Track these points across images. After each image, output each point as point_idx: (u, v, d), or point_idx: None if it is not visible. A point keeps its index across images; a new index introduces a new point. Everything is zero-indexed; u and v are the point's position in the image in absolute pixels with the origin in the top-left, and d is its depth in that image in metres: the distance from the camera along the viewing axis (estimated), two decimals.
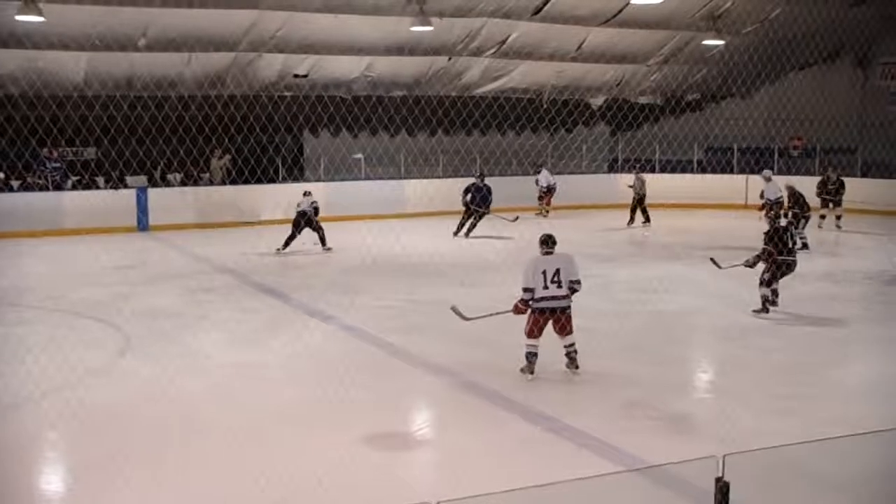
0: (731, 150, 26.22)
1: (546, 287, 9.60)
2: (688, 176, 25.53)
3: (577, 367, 9.82)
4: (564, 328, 9.75)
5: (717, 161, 26.12)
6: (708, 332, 12.46)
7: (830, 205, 21.14)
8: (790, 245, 12.92)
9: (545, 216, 23.02)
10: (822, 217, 20.83)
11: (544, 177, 23.72)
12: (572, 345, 9.83)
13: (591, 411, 8.85)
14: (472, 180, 20.58)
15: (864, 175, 25.46)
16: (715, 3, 23.16)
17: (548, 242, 9.85)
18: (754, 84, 27.40)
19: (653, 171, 24.49)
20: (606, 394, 9.37)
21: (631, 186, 22.36)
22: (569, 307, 9.76)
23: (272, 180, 22.85)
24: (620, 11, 22.21)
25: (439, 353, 10.79)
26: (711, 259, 13.97)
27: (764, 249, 12.76)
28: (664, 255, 18.36)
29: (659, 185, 23.72)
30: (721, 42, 23.63)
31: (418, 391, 9.80)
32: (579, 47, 24.02)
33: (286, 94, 22.83)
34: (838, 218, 20.95)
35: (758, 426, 8.22)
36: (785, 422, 8.36)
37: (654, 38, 24.56)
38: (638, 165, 23.19)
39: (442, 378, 10.01)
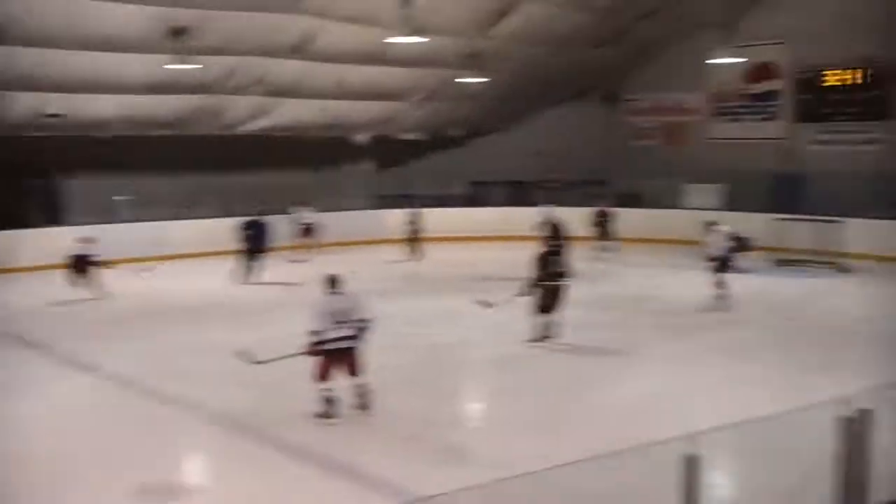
0: (493, 184, 27.17)
1: (332, 328, 9.49)
2: (454, 210, 26.20)
3: (366, 408, 9.72)
4: (354, 369, 9.67)
5: (482, 194, 27.03)
6: (481, 363, 12.81)
7: (603, 235, 22.51)
8: (556, 271, 13.26)
9: (311, 255, 22.78)
10: (597, 247, 21.92)
11: (306, 215, 23.45)
12: (363, 385, 9.74)
13: (368, 447, 8.93)
14: (248, 218, 20.06)
15: (614, 205, 26.98)
16: (474, 44, 23.99)
17: (334, 282, 9.79)
18: (512, 120, 28.57)
19: (420, 205, 24.96)
20: (383, 428, 9.47)
21: (410, 222, 22.81)
22: (356, 348, 9.67)
23: (25, 225, 21.65)
24: (382, 50, 22.60)
25: (217, 399, 10.57)
26: (479, 301, 14.32)
27: (531, 277, 13.22)
28: (436, 288, 18.77)
29: (427, 218, 24.25)
30: (481, 80, 24.48)
31: (192, 438, 9.57)
32: (341, 85, 24.24)
33: (38, 134, 21.72)
34: (608, 251, 22.00)
35: (530, 450, 8.54)
36: (555, 445, 8.72)
37: (417, 76, 25.14)
38: (415, 201, 23.67)
39: (218, 424, 9.81)
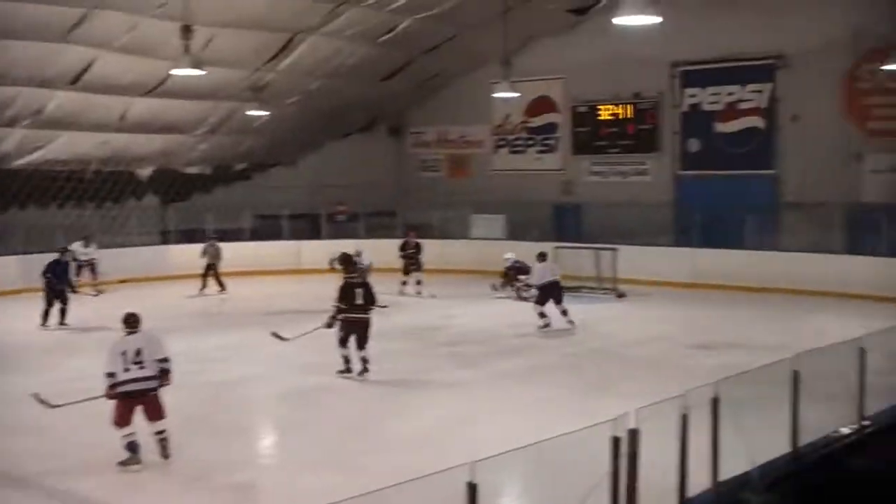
0: (281, 216, 26.90)
1: (127, 369, 9.05)
2: (241, 244, 25.73)
3: (167, 456, 9.23)
4: (153, 412, 9.21)
5: (268, 228, 26.70)
6: (268, 399, 12.61)
7: (411, 267, 21.85)
8: (359, 302, 13.09)
9: (96, 293, 21.81)
10: (404, 283, 21.64)
11: (84, 251, 22.21)
12: (162, 431, 9.27)
13: (149, 490, 8.60)
14: (51, 259, 18.56)
15: (404, 236, 27.30)
16: (257, 76, 23.82)
17: (129, 321, 9.37)
18: (298, 153, 28.48)
19: (202, 241, 24.43)
20: (166, 471, 9.15)
21: (204, 255, 22.11)
22: (155, 389, 9.23)
23: None
24: (163, 82, 22.08)
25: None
26: (274, 334, 14.15)
27: (334, 307, 13.10)
28: (225, 324, 18.39)
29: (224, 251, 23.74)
30: (265, 113, 24.29)
31: None
32: (122, 117, 23.49)
33: None
34: (418, 283, 21.69)
35: (320, 487, 8.46)
36: (343, 478, 8.68)
37: (200, 109, 24.68)
38: (213, 234, 23.08)
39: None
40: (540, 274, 17.48)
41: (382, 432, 10.66)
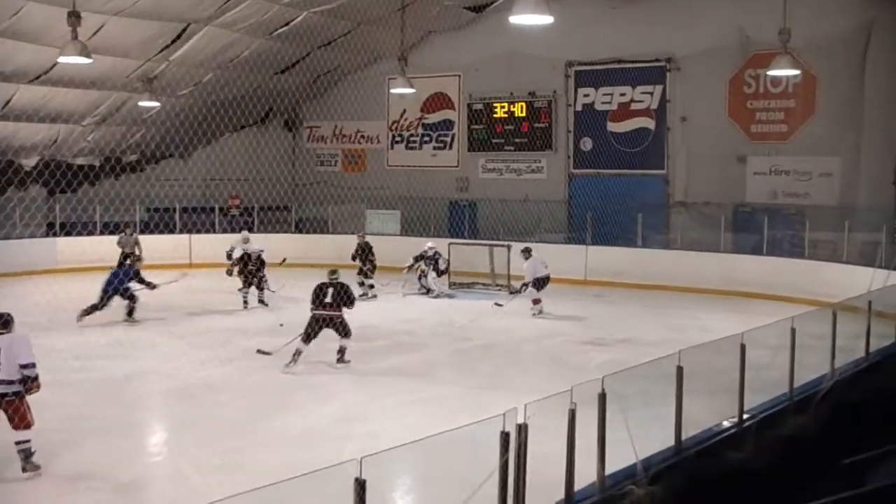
0: (173, 210, 26.40)
1: None
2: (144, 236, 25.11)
3: (27, 470, 8.68)
4: (14, 421, 8.69)
5: (160, 221, 26.14)
6: (156, 395, 12.37)
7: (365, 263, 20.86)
8: (325, 300, 13.56)
9: None
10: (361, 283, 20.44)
11: None
12: (23, 442, 8.69)
13: (25, 491, 8.35)
14: None
15: (299, 231, 27.13)
16: (149, 66, 23.32)
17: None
18: (192, 145, 27.96)
19: (91, 233, 23.85)
20: (47, 470, 8.88)
21: (120, 244, 21.57)
22: (15, 395, 8.69)
23: None
24: (50, 69, 21.44)
25: None
26: (259, 351, 14.16)
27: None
28: (109, 319, 17.93)
29: (99, 248, 23.13)
30: (157, 104, 23.80)
31: None
32: (6, 104, 22.72)
33: None
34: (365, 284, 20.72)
35: (207, 484, 8.35)
36: (231, 476, 8.58)
37: (89, 98, 24.04)
38: (128, 226, 22.51)
39: None
40: (532, 269, 18.50)
41: (271, 429, 10.57)
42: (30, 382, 8.76)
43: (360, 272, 20.82)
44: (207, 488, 8.03)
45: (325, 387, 12.68)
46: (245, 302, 18.85)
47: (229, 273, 19.01)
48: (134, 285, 17.10)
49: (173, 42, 22.84)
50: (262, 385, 12.64)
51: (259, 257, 19.24)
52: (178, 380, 12.76)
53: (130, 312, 17.14)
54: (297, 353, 13.36)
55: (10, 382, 8.69)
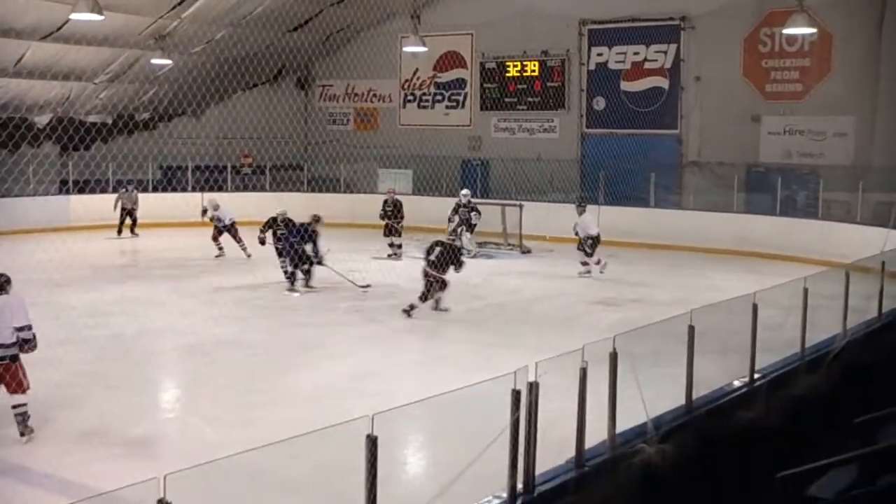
0: (185, 168, 26.43)
1: None
2: (144, 195, 25.19)
3: (24, 433, 8.49)
4: (10, 385, 8.47)
5: (172, 179, 26.20)
6: (171, 352, 12.46)
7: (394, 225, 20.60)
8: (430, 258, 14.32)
9: None
10: (391, 244, 20.39)
11: None
12: (19, 406, 8.50)
13: (42, 447, 8.43)
14: None
15: (311, 190, 27.12)
16: (161, 23, 23.22)
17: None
18: (204, 103, 27.89)
19: (104, 191, 23.95)
20: (60, 425, 8.97)
21: (118, 201, 21.87)
22: (11, 358, 8.45)
23: None
24: (62, 26, 21.37)
25: None
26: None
27: None
28: (122, 276, 18.03)
29: (111, 206, 23.26)
30: (169, 62, 23.74)
31: None
32: (19, 62, 22.69)
33: None
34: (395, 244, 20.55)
35: (221, 439, 8.43)
36: (244, 431, 8.66)
37: (101, 56, 23.99)
38: (130, 183, 22.75)
39: None
40: (584, 227, 18.48)
41: (284, 386, 10.65)
42: (26, 346, 8.60)
43: (390, 231, 20.55)
44: (220, 443, 8.10)
45: (337, 345, 12.74)
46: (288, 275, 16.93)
47: (262, 242, 18.01)
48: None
49: None
50: (275, 343, 12.71)
51: (233, 224, 19.29)
52: (191, 337, 12.85)
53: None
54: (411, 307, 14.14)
55: (4, 346, 8.47)
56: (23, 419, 8.55)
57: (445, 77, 28.25)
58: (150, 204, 24.37)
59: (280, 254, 16.68)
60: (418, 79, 28.56)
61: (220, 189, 25.88)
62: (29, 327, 8.59)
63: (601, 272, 18.11)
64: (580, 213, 18.77)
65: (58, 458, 8.09)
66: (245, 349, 12.30)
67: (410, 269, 18.82)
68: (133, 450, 8.46)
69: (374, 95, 29.56)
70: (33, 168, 24.66)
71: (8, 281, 8.71)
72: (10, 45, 21.87)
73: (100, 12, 16.10)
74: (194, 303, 14.48)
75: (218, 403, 9.82)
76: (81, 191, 24.78)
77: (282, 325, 13.47)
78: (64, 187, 25.79)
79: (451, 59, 27.95)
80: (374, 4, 25.95)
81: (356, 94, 29.89)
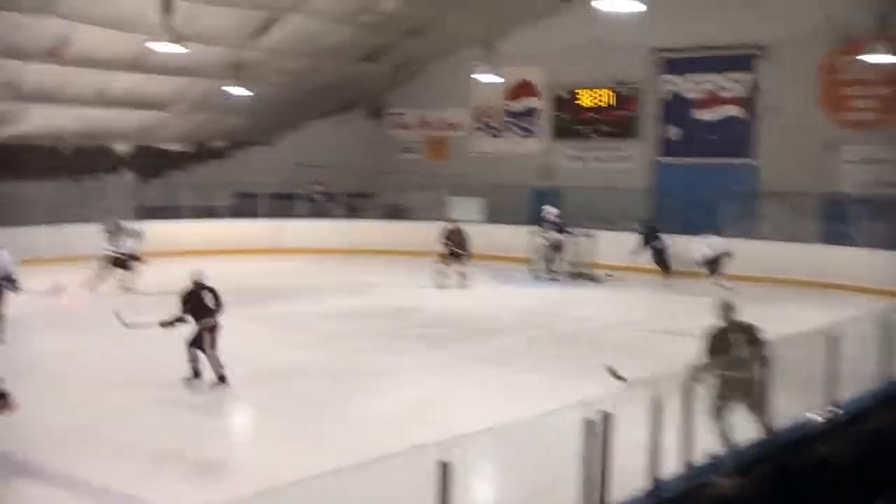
0: (258, 195, 26.70)
1: None
2: (218, 222, 25.54)
3: None
4: None
5: (245, 206, 26.49)
6: (240, 376, 12.43)
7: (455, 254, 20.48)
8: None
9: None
10: (444, 271, 20.30)
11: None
12: None
13: (115, 470, 8.53)
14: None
15: (381, 218, 27.26)
16: (239, 54, 23.60)
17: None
18: (278, 132, 28.30)
19: (179, 218, 24.29)
20: (134, 448, 9.07)
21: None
22: None
23: None
24: (143, 58, 21.85)
25: None
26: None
27: None
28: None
29: (189, 232, 23.59)
30: (245, 92, 24.12)
31: None
32: (101, 92, 23.25)
33: None
34: (461, 274, 20.44)
35: (287, 463, 8.43)
36: (312, 457, 8.63)
37: (180, 85, 24.46)
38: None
39: None
40: (706, 247, 19.29)
41: (351, 413, 10.65)
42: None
43: (452, 256, 20.46)
44: (289, 468, 8.11)
45: (402, 371, 12.72)
46: None
47: None
48: None
49: (262, 30, 23.10)
50: (341, 369, 12.73)
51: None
52: (259, 362, 12.92)
53: None
54: None
55: None
56: None
57: (517, 106, 28.25)
58: (222, 231, 24.73)
59: None
60: (490, 107, 28.61)
61: (291, 216, 26.18)
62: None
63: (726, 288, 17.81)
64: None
65: (138, 480, 8.18)
66: (312, 375, 12.36)
67: (479, 298, 18.86)
68: (204, 473, 8.52)
69: (446, 124, 29.65)
70: (111, 195, 25.10)
71: None
72: (93, 76, 22.44)
73: (180, 44, 16.46)
74: (262, 328, 14.58)
75: (287, 428, 9.85)
76: (157, 218, 25.06)
77: (347, 351, 13.51)
78: (141, 214, 25.99)
79: (522, 88, 27.95)
80: (446, 34, 26.14)
81: (427, 123, 30.02)
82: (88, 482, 8.22)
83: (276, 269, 20.52)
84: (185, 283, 11.69)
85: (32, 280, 14.12)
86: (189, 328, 11.47)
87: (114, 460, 8.78)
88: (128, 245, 19.64)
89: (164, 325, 11.48)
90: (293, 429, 9.87)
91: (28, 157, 23.61)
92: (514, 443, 7.43)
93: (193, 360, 11.36)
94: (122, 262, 19.13)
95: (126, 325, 11.82)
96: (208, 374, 11.39)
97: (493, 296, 19.12)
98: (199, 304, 11.48)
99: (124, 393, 9.77)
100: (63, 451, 8.95)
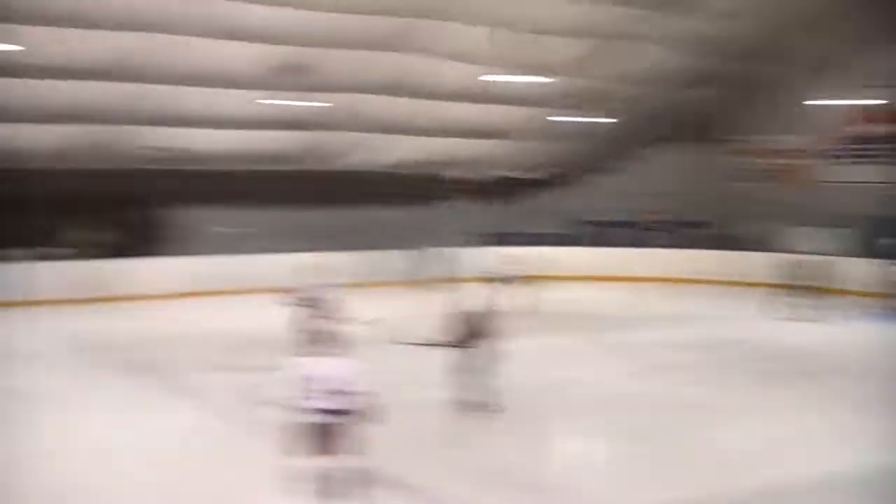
0: (607, 223, 26.96)
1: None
2: (571, 249, 26.11)
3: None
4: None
5: (589, 234, 26.80)
6: (586, 403, 12.39)
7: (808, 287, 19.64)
8: None
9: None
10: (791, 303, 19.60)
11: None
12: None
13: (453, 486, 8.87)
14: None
15: (720, 247, 26.48)
16: (574, 82, 23.82)
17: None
18: (613, 161, 28.25)
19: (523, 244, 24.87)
20: (462, 466, 9.41)
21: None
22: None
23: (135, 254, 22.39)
24: (479, 88, 22.74)
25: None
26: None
27: None
28: (545, 326, 18.33)
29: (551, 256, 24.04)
30: (584, 119, 24.42)
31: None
32: (443, 122, 24.51)
33: (153, 167, 22.46)
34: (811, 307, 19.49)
35: (632, 488, 8.44)
36: (665, 493, 8.56)
37: (523, 114, 25.22)
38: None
39: None
40: None
41: (692, 446, 10.44)
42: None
43: (799, 289, 19.58)
44: (635, 495, 8.17)
45: (731, 409, 12.27)
46: None
47: None
48: None
49: (597, 58, 23.30)
50: (683, 400, 12.53)
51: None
52: (598, 388, 13.03)
53: None
54: None
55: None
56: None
57: (875, 131, 26.44)
58: (576, 258, 25.23)
59: None
60: (842, 133, 27.01)
61: (622, 245, 26.15)
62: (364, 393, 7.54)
63: None
64: None
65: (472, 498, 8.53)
66: (651, 405, 12.23)
67: (821, 333, 17.79)
68: (539, 497, 8.73)
69: (789, 150, 28.36)
70: (448, 221, 25.98)
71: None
72: (427, 107, 23.69)
73: (513, 73, 16.80)
74: (608, 355, 14.72)
75: (623, 458, 9.92)
76: (502, 243, 25.54)
77: (688, 383, 13.31)
78: (484, 240, 26.62)
79: (873, 113, 26.17)
80: (784, 58, 25.04)
81: (768, 150, 28.87)
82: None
83: (621, 297, 20.45)
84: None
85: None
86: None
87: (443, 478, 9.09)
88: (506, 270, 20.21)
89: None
90: (628, 458, 9.95)
91: (369, 184, 25.30)
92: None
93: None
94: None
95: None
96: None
97: (840, 332, 18.00)
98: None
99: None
100: (415, 465, 9.39)
